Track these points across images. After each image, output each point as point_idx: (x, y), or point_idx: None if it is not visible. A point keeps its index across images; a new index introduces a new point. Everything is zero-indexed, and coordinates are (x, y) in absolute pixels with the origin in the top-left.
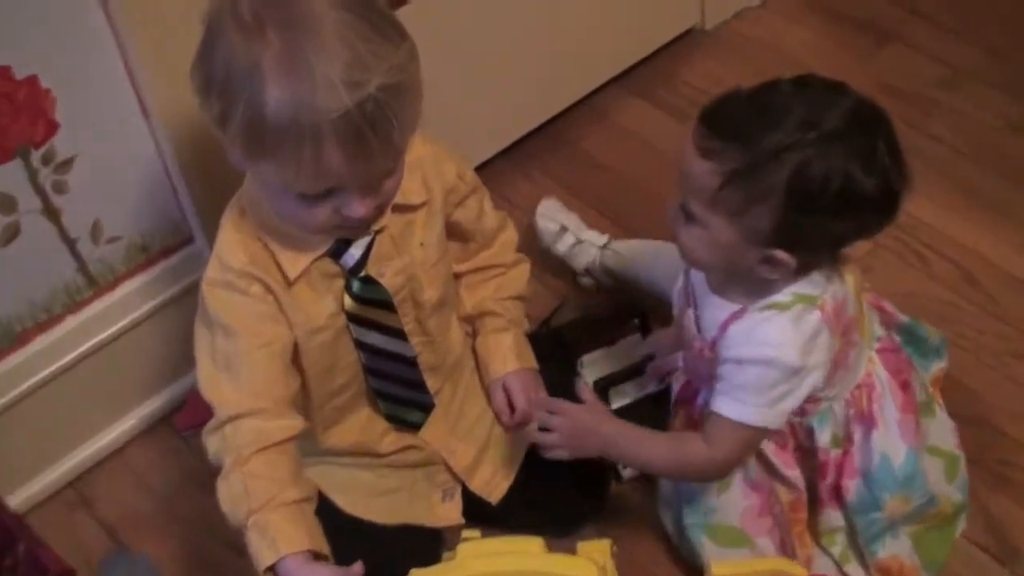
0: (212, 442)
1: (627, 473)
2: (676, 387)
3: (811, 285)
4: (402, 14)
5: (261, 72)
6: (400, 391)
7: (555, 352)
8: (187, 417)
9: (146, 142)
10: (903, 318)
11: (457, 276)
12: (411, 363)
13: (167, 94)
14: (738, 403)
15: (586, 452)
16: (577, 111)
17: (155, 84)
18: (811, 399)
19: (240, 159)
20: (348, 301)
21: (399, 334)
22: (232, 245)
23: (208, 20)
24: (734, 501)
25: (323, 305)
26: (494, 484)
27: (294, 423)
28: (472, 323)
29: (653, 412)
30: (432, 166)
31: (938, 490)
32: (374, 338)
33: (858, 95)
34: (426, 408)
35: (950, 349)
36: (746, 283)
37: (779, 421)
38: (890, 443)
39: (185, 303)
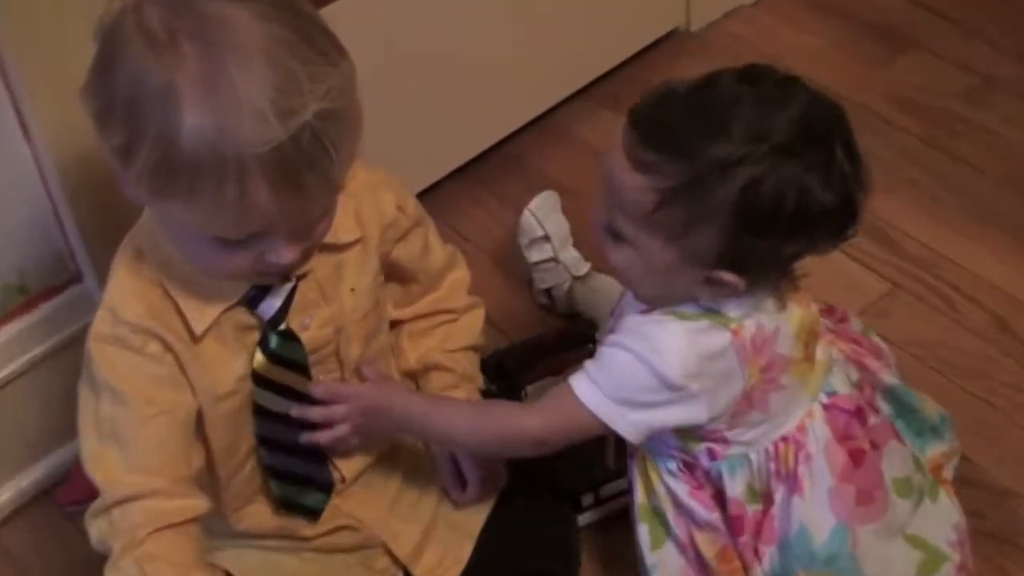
0: (97, 526)
1: (584, 519)
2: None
3: (732, 307)
4: (330, 15)
5: (176, 96)
6: (296, 466)
7: (495, 381)
8: (72, 491)
9: (27, 165)
10: (890, 380)
11: (398, 324)
12: (310, 428)
13: (53, 109)
14: (591, 384)
15: (380, 432)
16: (538, 127)
17: (39, 99)
18: (718, 439)
19: (142, 197)
20: (259, 359)
21: (304, 399)
22: (126, 294)
23: (105, 32)
24: (671, 560)
25: (233, 366)
26: (443, 570)
27: (196, 503)
28: (416, 379)
29: (606, 449)
30: (367, 197)
31: None
32: (278, 404)
33: (811, 92)
34: (326, 488)
35: (980, 409)
36: (672, 287)
37: (628, 430)
38: (813, 513)
39: (70, 355)
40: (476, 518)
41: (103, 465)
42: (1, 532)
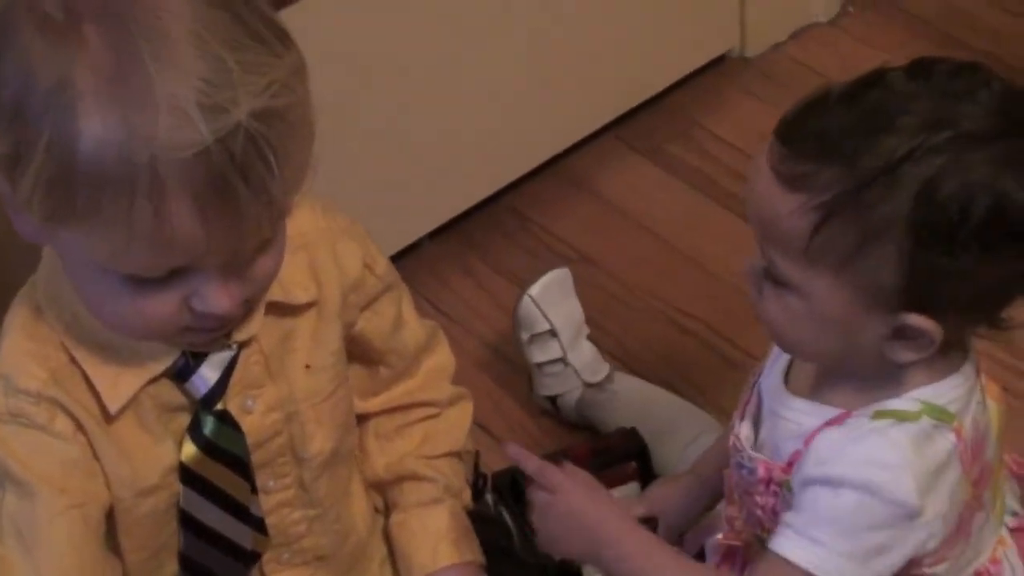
0: None
1: None
2: (710, 550)
3: (947, 397)
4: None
5: (74, 90)
6: None
7: (504, 502)
8: None
9: None
10: None
11: (364, 418)
12: (245, 560)
13: None
14: (812, 544)
15: (566, 551)
16: (546, 175)
17: None
18: None
19: (34, 226)
20: (189, 448)
21: (241, 513)
22: (22, 358)
23: None
24: None
25: (157, 453)
26: None
27: None
28: (384, 492)
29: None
30: (325, 248)
31: None
32: (208, 513)
33: (1002, 79)
34: None
35: None
36: (861, 378)
37: None
38: None
39: None
40: None
41: (5, 571)
42: None
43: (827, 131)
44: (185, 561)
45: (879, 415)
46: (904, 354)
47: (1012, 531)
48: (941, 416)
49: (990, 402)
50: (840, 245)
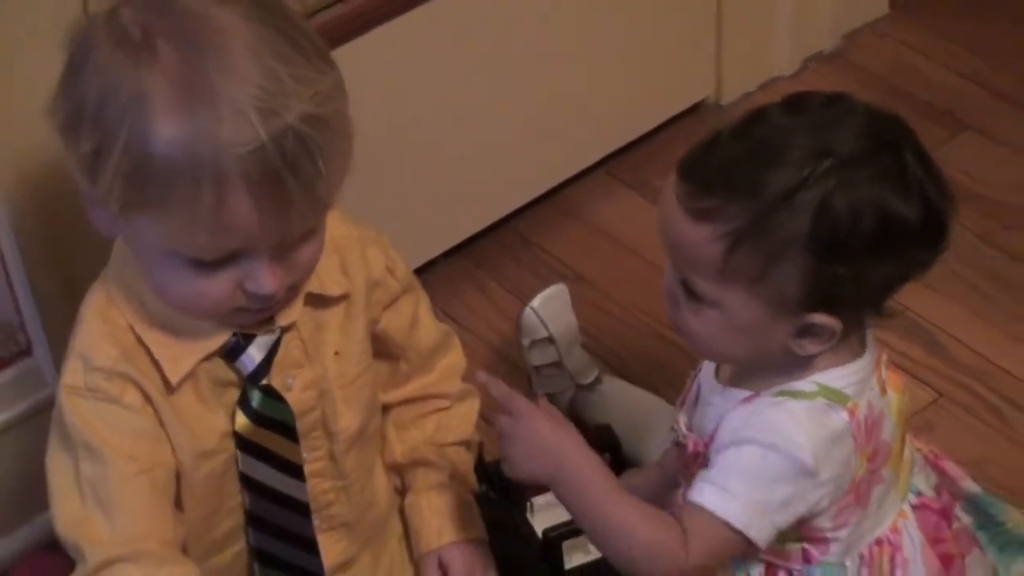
0: None
1: None
2: None
3: (844, 382)
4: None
5: (150, 96)
6: (284, 551)
7: (497, 490)
8: None
9: None
10: (972, 487)
11: (384, 409)
12: (303, 511)
13: (8, 161)
14: (722, 492)
15: (527, 470)
16: (548, 204)
17: None
18: (819, 538)
19: (112, 219)
20: (241, 419)
21: (295, 471)
22: (98, 338)
23: (75, 40)
24: None
25: (214, 421)
26: None
27: (186, 570)
28: (401, 475)
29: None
30: (355, 251)
31: None
32: (265, 473)
33: (866, 104)
34: None
35: None
36: (772, 368)
37: (764, 535)
38: None
39: (18, 436)
40: None
41: (86, 529)
42: None
43: (725, 167)
44: (253, 519)
45: (780, 394)
46: (809, 348)
47: (915, 507)
48: (835, 397)
49: (892, 393)
50: (750, 265)
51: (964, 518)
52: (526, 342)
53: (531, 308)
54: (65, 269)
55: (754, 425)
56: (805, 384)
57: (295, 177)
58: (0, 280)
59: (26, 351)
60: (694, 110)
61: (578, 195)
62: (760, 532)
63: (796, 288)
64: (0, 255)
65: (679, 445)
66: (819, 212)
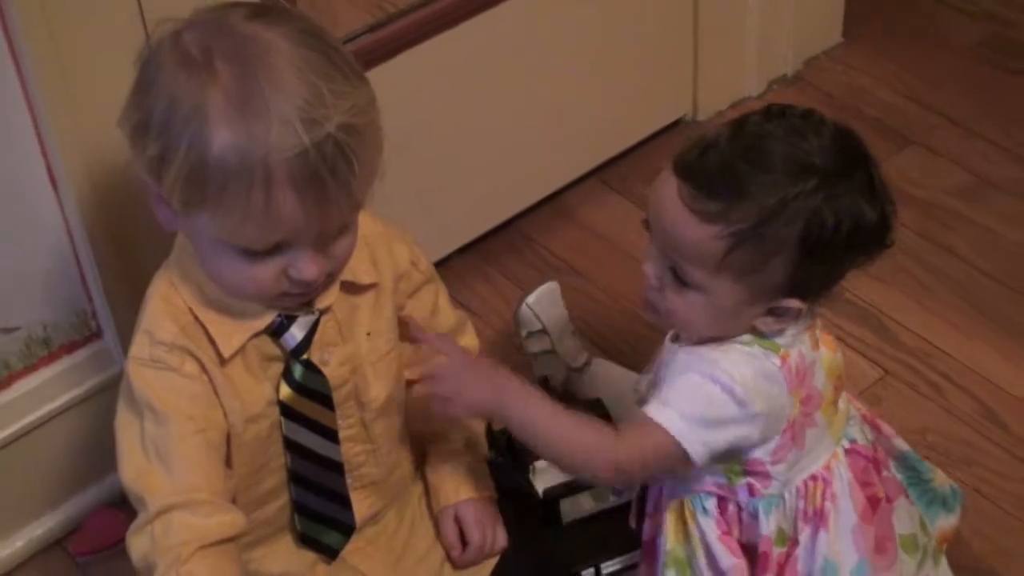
0: (138, 543)
1: None
2: (649, 503)
3: (779, 337)
4: None
5: (208, 107)
6: (321, 504)
7: (504, 454)
8: (85, 542)
9: (54, 219)
10: (903, 447)
11: (408, 384)
12: (338, 470)
13: (82, 164)
14: (662, 405)
15: (472, 399)
16: (546, 207)
17: (69, 152)
18: (760, 472)
19: (173, 215)
20: (285, 389)
21: (331, 435)
22: (161, 316)
23: (143, 59)
24: None
25: (261, 390)
26: None
27: (235, 519)
28: (422, 442)
29: (613, 527)
30: (383, 246)
31: None
32: (305, 437)
33: (830, 120)
34: (346, 529)
35: (968, 497)
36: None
37: (699, 451)
38: (839, 549)
39: (89, 407)
40: None
41: (149, 480)
42: None
43: (726, 173)
44: (294, 477)
45: (720, 343)
46: (773, 325)
47: (847, 451)
48: (768, 346)
49: (824, 349)
50: (745, 261)
51: (896, 475)
52: (523, 333)
53: (526, 304)
54: (129, 263)
55: (697, 358)
56: (742, 336)
57: (333, 177)
58: (74, 273)
59: (97, 334)
60: (674, 125)
61: (573, 199)
62: (692, 446)
63: (780, 279)
64: (74, 252)
65: (642, 402)
66: (810, 219)
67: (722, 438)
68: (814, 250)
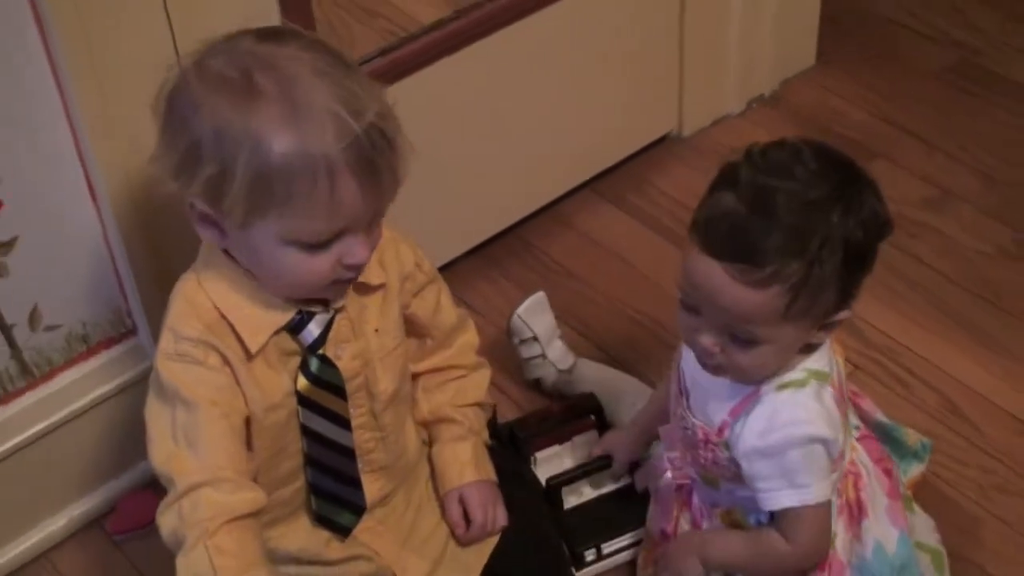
0: (167, 520)
1: (586, 572)
2: (664, 492)
3: (820, 363)
4: None
5: (259, 118)
6: (335, 486)
7: (506, 447)
8: (120, 521)
9: (93, 227)
10: (881, 417)
11: (414, 377)
12: (350, 455)
13: (118, 178)
14: (795, 489)
15: (688, 565)
16: (543, 215)
17: (106, 168)
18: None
19: (221, 235)
20: (302, 381)
21: (344, 423)
22: (186, 314)
23: (170, 96)
24: None
25: (280, 382)
26: None
27: (257, 496)
28: (428, 429)
29: (611, 510)
30: (389, 247)
31: None
32: (321, 425)
33: (808, 145)
34: (358, 510)
35: (930, 483)
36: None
37: (832, 491)
38: (882, 530)
39: (124, 399)
40: (479, 556)
41: (177, 462)
42: (56, 555)
43: (770, 242)
44: (310, 461)
45: (781, 387)
46: (825, 338)
47: (859, 440)
48: (821, 377)
49: (838, 358)
50: (805, 303)
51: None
52: (515, 341)
53: (517, 315)
54: (161, 267)
55: (781, 426)
56: (797, 373)
57: (383, 159)
58: (111, 276)
59: (132, 331)
60: (661, 140)
61: (569, 208)
62: (829, 491)
63: (833, 299)
64: (111, 257)
65: (685, 429)
66: (847, 242)
67: (834, 468)
68: (854, 263)
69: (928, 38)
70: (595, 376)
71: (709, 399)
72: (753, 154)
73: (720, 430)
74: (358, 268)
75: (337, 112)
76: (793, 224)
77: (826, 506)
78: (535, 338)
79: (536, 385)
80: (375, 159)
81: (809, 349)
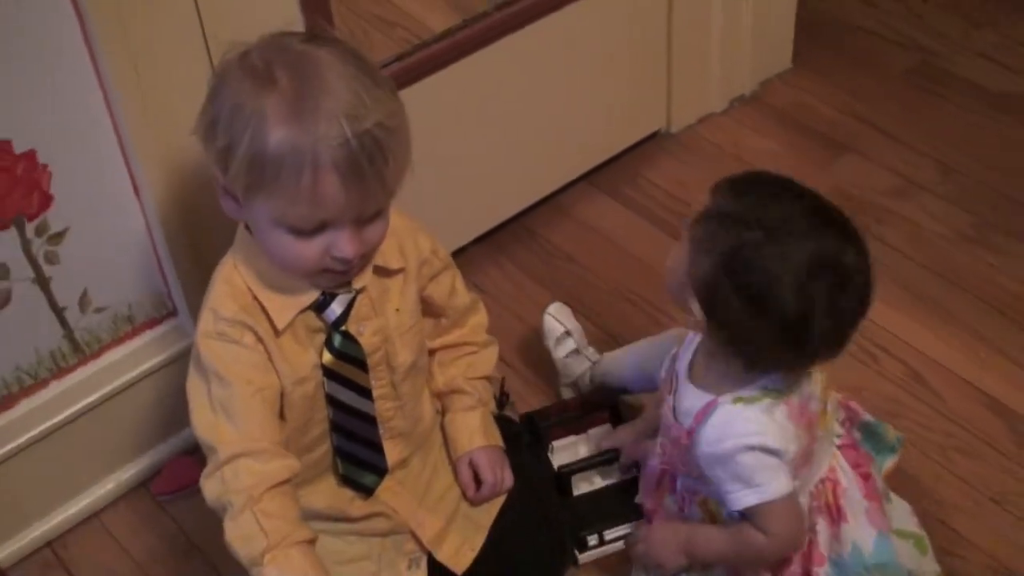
0: (211, 486)
1: (584, 558)
2: (649, 474)
3: (779, 383)
4: None
5: (268, 105)
6: (359, 451)
7: (527, 435)
8: (163, 484)
9: (136, 218)
10: (867, 417)
11: (430, 352)
12: (372, 422)
13: (159, 174)
14: (754, 489)
15: (671, 561)
16: (545, 205)
17: (148, 164)
18: None
19: (236, 206)
20: (327, 355)
21: (366, 393)
22: (224, 296)
23: (215, 73)
24: None
25: (307, 356)
26: (460, 555)
27: (291, 463)
28: (442, 399)
29: (616, 500)
30: (408, 236)
31: (915, 566)
32: (345, 395)
33: (780, 185)
34: (380, 472)
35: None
36: (725, 374)
37: (791, 485)
38: (860, 532)
39: (166, 373)
40: (488, 514)
41: (217, 432)
42: (105, 514)
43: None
44: (336, 428)
45: (736, 401)
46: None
47: (840, 448)
48: (773, 396)
49: (815, 374)
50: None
51: (856, 435)
52: (551, 342)
53: (548, 314)
54: (199, 253)
55: (732, 435)
56: (751, 391)
57: (371, 166)
58: (153, 262)
59: (172, 312)
60: (652, 136)
61: (569, 199)
62: (790, 484)
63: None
64: (153, 244)
65: (668, 427)
66: (866, 289)
67: (787, 473)
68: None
69: (894, 42)
70: (617, 357)
71: (684, 403)
72: (719, 223)
73: (688, 432)
74: (347, 263)
75: (336, 115)
76: (815, 292)
77: (790, 496)
78: (568, 332)
79: (573, 392)
80: (362, 164)
81: (764, 371)
